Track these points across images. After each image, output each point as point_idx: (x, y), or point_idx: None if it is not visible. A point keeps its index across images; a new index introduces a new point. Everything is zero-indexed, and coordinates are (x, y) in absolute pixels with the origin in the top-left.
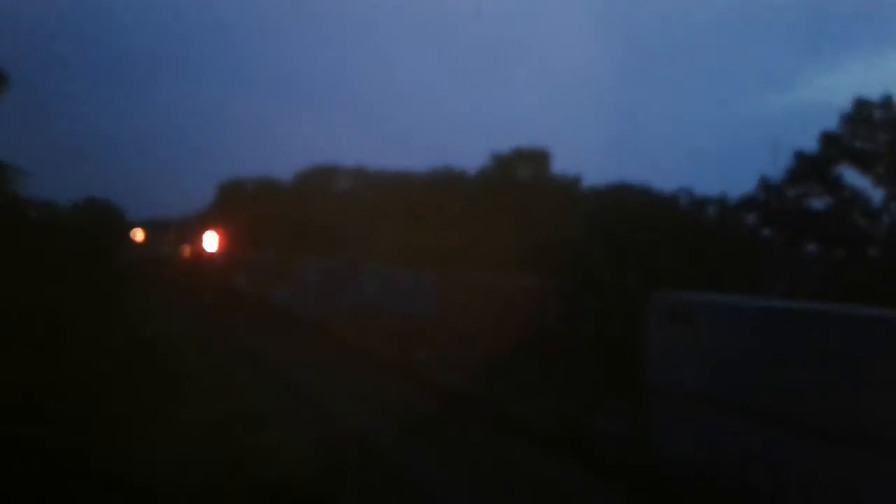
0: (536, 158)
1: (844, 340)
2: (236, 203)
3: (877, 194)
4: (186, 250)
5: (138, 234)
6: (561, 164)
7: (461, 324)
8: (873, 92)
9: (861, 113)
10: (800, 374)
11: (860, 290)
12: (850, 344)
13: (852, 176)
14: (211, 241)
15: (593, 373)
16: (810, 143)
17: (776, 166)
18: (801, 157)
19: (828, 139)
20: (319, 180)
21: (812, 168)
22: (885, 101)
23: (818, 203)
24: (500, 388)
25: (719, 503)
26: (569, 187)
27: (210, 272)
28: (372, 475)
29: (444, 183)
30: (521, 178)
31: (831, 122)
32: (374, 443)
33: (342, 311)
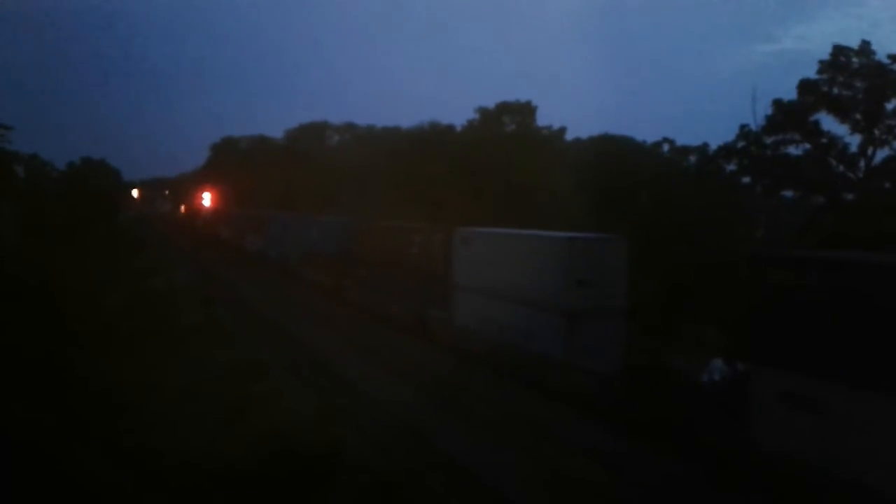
0: (521, 111)
1: (519, 250)
2: (229, 162)
3: (854, 140)
4: (182, 208)
5: (136, 194)
6: (547, 118)
7: (375, 258)
8: (852, 39)
9: (839, 60)
10: (513, 273)
11: (835, 235)
12: (522, 252)
13: (830, 123)
14: (204, 200)
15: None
16: (791, 92)
17: (756, 115)
18: (780, 106)
19: (806, 87)
20: (310, 137)
21: (791, 116)
22: (863, 48)
23: (796, 150)
24: (385, 298)
25: (494, 342)
26: (554, 139)
27: (201, 226)
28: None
29: (432, 137)
30: (506, 131)
31: (810, 71)
32: (297, 331)
33: (297, 252)
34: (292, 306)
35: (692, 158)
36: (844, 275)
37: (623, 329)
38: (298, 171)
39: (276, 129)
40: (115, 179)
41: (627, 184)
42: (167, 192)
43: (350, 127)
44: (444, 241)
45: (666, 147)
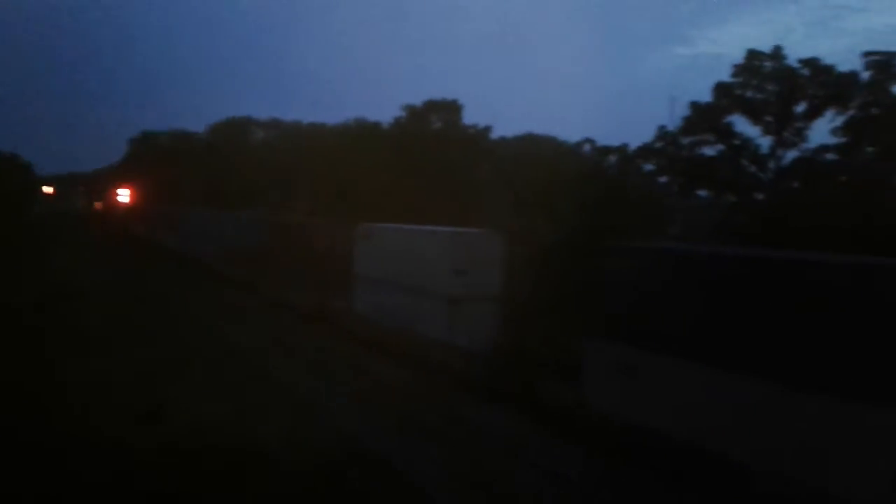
0: (448, 109)
1: (410, 243)
2: (148, 157)
3: (765, 142)
4: (98, 204)
5: (49, 189)
6: (473, 117)
7: (287, 253)
8: (765, 44)
9: (752, 64)
10: (405, 264)
11: (746, 233)
12: (413, 245)
13: (743, 125)
14: (121, 196)
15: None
16: (707, 94)
17: (673, 116)
18: (696, 108)
19: (721, 90)
20: (233, 132)
21: (706, 118)
22: (775, 53)
23: (711, 151)
24: (289, 287)
25: (387, 327)
26: (479, 137)
27: (117, 223)
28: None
29: (359, 134)
30: (433, 128)
31: (726, 74)
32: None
33: (212, 248)
34: (206, 300)
35: (613, 158)
36: (652, 259)
37: (497, 313)
38: (222, 166)
39: (198, 124)
40: (26, 174)
41: (551, 182)
42: (81, 187)
43: (275, 123)
44: (347, 236)
45: (588, 147)
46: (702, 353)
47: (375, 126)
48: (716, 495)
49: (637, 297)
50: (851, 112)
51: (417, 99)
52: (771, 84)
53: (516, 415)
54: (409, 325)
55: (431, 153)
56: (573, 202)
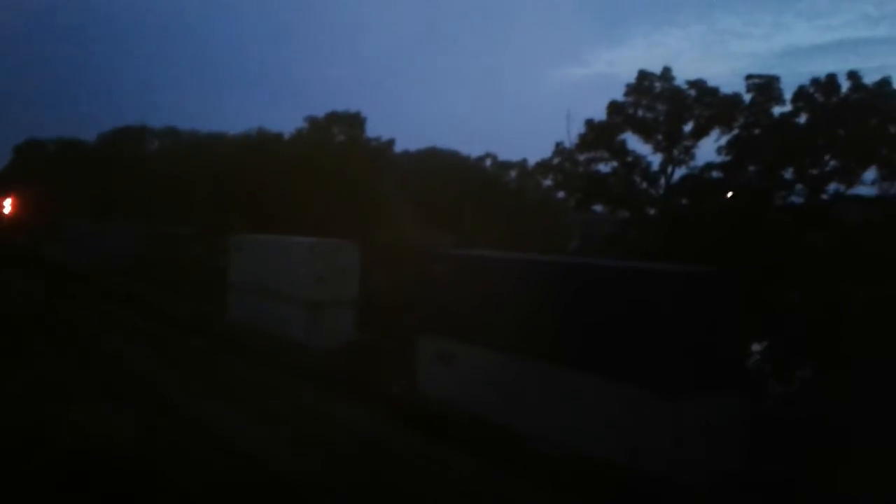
0: (351, 122)
1: (278, 253)
2: (35, 166)
3: (656, 159)
4: None
5: None
6: (375, 130)
7: (166, 264)
8: (655, 65)
9: (643, 84)
10: (272, 272)
11: (637, 246)
12: (280, 255)
13: (635, 142)
14: (3, 207)
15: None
16: (602, 113)
17: (570, 133)
18: (591, 125)
19: (614, 108)
20: (127, 142)
21: (600, 135)
22: (664, 74)
23: (605, 167)
24: (167, 296)
25: (258, 331)
26: (382, 150)
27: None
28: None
29: (259, 145)
30: (336, 141)
31: (618, 93)
32: (88, 330)
33: (93, 259)
34: (81, 308)
35: (513, 173)
36: (463, 266)
37: (353, 316)
38: (114, 176)
39: (89, 133)
40: None
41: (453, 196)
42: None
43: (172, 131)
44: (223, 248)
45: (489, 161)
46: (498, 342)
47: (277, 137)
48: (492, 455)
49: (449, 296)
50: (735, 132)
51: (320, 111)
52: (661, 104)
53: (352, 399)
54: (277, 329)
55: (334, 165)
56: (475, 215)
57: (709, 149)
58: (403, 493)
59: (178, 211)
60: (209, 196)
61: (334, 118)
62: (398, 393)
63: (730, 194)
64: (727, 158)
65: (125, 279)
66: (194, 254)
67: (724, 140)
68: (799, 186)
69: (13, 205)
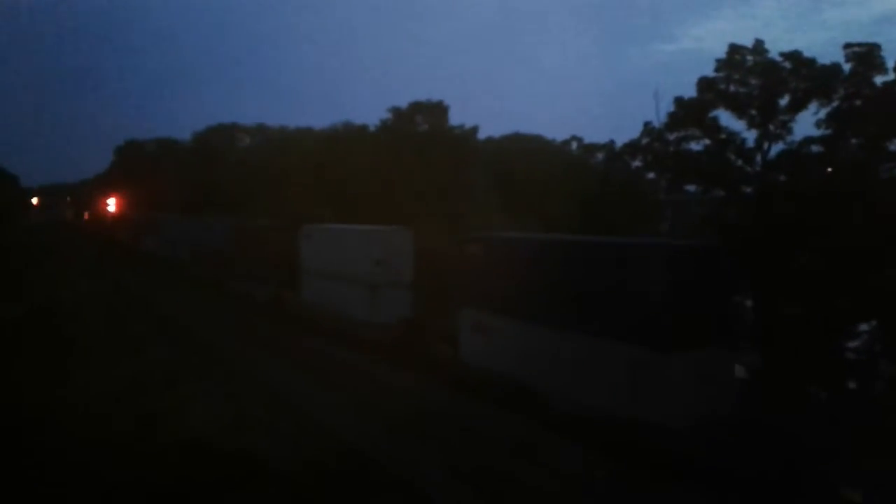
0: (434, 111)
1: (342, 240)
2: (135, 165)
3: (750, 135)
4: (85, 214)
5: (35, 201)
6: (459, 117)
7: (251, 254)
8: (746, 38)
9: (734, 58)
10: (338, 258)
11: (735, 226)
12: (344, 242)
13: (728, 119)
14: (109, 205)
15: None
16: (691, 89)
17: (659, 112)
18: (680, 103)
19: (704, 84)
20: (220, 139)
21: (691, 113)
22: (757, 47)
23: (697, 146)
24: (251, 283)
25: (326, 310)
26: (466, 138)
27: (102, 231)
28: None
29: (346, 138)
30: (419, 130)
31: (709, 69)
32: (172, 311)
33: (186, 251)
34: (174, 293)
35: (599, 156)
36: (492, 247)
37: (408, 296)
38: (208, 173)
39: (184, 132)
40: (12, 186)
41: (538, 180)
42: (69, 198)
43: (261, 128)
44: (295, 237)
45: (574, 145)
46: (523, 313)
47: (362, 129)
48: (523, 411)
49: (483, 274)
50: (835, 104)
51: (403, 101)
52: (754, 78)
53: (405, 368)
54: (341, 308)
55: (418, 154)
56: (561, 199)
57: (807, 122)
58: (449, 444)
59: (269, 204)
60: (298, 189)
61: (418, 107)
62: (442, 361)
63: (830, 169)
64: (827, 132)
65: (213, 269)
66: (276, 243)
67: (823, 113)
68: None
69: (117, 203)
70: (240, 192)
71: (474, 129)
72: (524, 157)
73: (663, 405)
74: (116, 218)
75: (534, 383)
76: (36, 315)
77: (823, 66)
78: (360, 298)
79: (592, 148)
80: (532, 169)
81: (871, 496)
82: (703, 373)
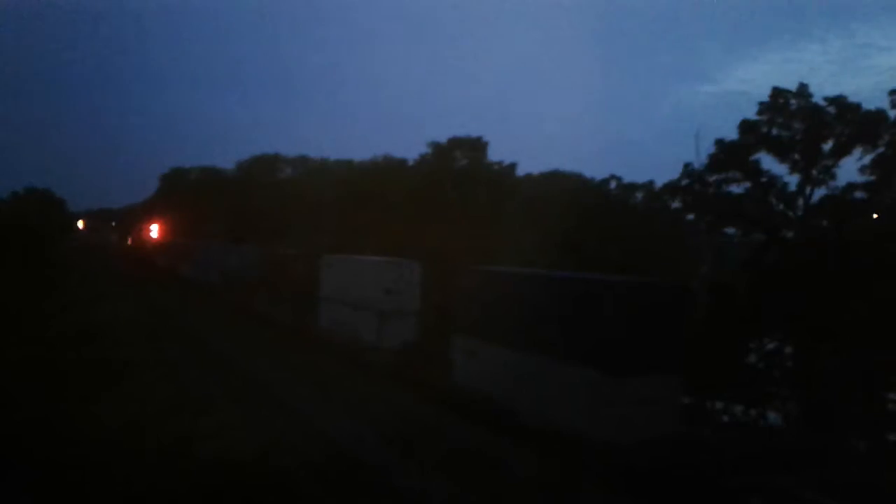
0: (473, 147)
1: (357, 270)
2: (179, 192)
3: (793, 179)
4: (128, 239)
5: (81, 224)
6: (498, 154)
7: (280, 280)
8: (790, 82)
9: (778, 102)
10: (352, 286)
11: (778, 270)
12: (358, 272)
13: (770, 162)
14: (151, 231)
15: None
16: (733, 132)
17: (699, 154)
18: (721, 145)
19: (746, 127)
20: (262, 169)
21: (732, 155)
22: (800, 91)
23: (738, 189)
24: (275, 307)
25: (341, 336)
26: (504, 174)
27: (144, 256)
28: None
29: (386, 171)
30: (458, 166)
31: (751, 111)
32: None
33: (219, 277)
34: (206, 316)
35: (639, 195)
36: (481, 279)
37: (414, 322)
38: (250, 201)
39: (227, 161)
40: (59, 210)
41: (577, 218)
42: (113, 223)
43: (303, 160)
44: (317, 266)
45: (613, 184)
46: (502, 339)
47: (401, 163)
48: (499, 427)
49: (472, 303)
50: (880, 150)
51: (443, 136)
52: (797, 122)
53: (403, 388)
54: (354, 333)
55: (456, 190)
56: (600, 239)
57: (851, 168)
58: (433, 451)
59: (309, 233)
60: (337, 219)
61: (456, 143)
62: (434, 381)
63: (875, 216)
64: (871, 178)
65: (244, 294)
66: (300, 271)
67: (867, 159)
68: None
69: (159, 229)
70: (280, 221)
71: (513, 166)
72: (563, 194)
73: (614, 423)
74: (158, 243)
75: (511, 403)
76: (76, 335)
77: (868, 112)
78: (371, 324)
79: (632, 187)
80: (569, 207)
81: None
82: (650, 396)
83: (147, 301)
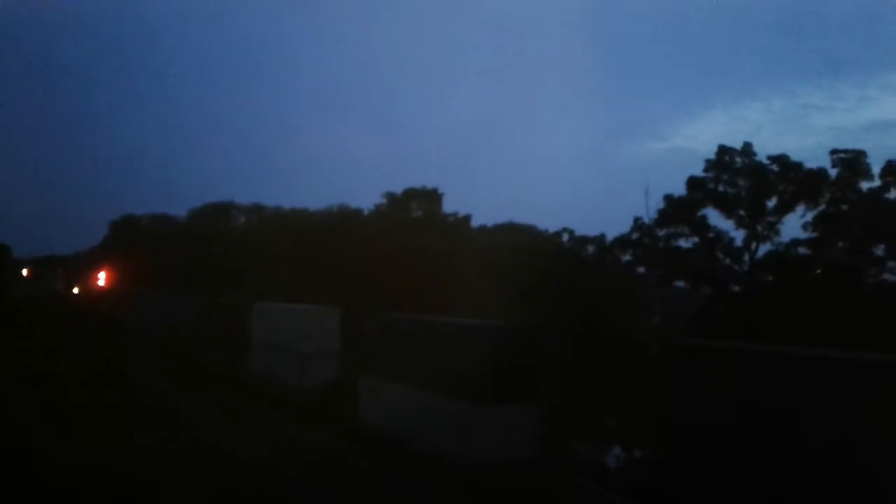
0: (428, 197)
1: (281, 317)
2: (129, 240)
3: (738, 235)
4: (75, 287)
5: (26, 272)
6: (452, 205)
7: (216, 328)
8: (735, 140)
9: (723, 159)
10: (277, 332)
11: (723, 324)
12: (282, 318)
13: (716, 218)
14: (98, 279)
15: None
16: (681, 187)
17: (649, 208)
18: (670, 200)
19: (694, 184)
20: (215, 217)
21: (680, 210)
22: (745, 149)
23: (686, 243)
24: (208, 354)
25: (269, 379)
26: (459, 225)
27: (89, 304)
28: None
29: (340, 220)
30: (413, 217)
31: (698, 168)
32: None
33: (160, 325)
34: (143, 363)
35: (590, 248)
36: (382, 323)
37: (335, 363)
38: (201, 250)
39: (180, 209)
40: (3, 256)
41: (529, 271)
42: (59, 270)
43: (257, 208)
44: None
45: (566, 236)
46: (396, 376)
47: (356, 212)
48: (390, 458)
49: (374, 344)
50: (822, 207)
51: (398, 186)
52: (742, 179)
53: (313, 423)
54: (279, 375)
55: (411, 241)
56: (552, 289)
57: (794, 225)
58: (324, 473)
59: (260, 282)
60: (291, 269)
61: (412, 194)
62: (343, 419)
63: (818, 271)
64: (814, 235)
65: (181, 341)
66: (234, 319)
67: (810, 216)
68: (892, 264)
69: (106, 277)
70: (232, 270)
71: (467, 218)
72: (516, 246)
73: (480, 446)
74: (104, 291)
75: (405, 435)
76: (17, 384)
77: (810, 171)
78: (293, 366)
79: (584, 240)
80: (524, 258)
81: None
82: (511, 423)
83: (84, 347)
